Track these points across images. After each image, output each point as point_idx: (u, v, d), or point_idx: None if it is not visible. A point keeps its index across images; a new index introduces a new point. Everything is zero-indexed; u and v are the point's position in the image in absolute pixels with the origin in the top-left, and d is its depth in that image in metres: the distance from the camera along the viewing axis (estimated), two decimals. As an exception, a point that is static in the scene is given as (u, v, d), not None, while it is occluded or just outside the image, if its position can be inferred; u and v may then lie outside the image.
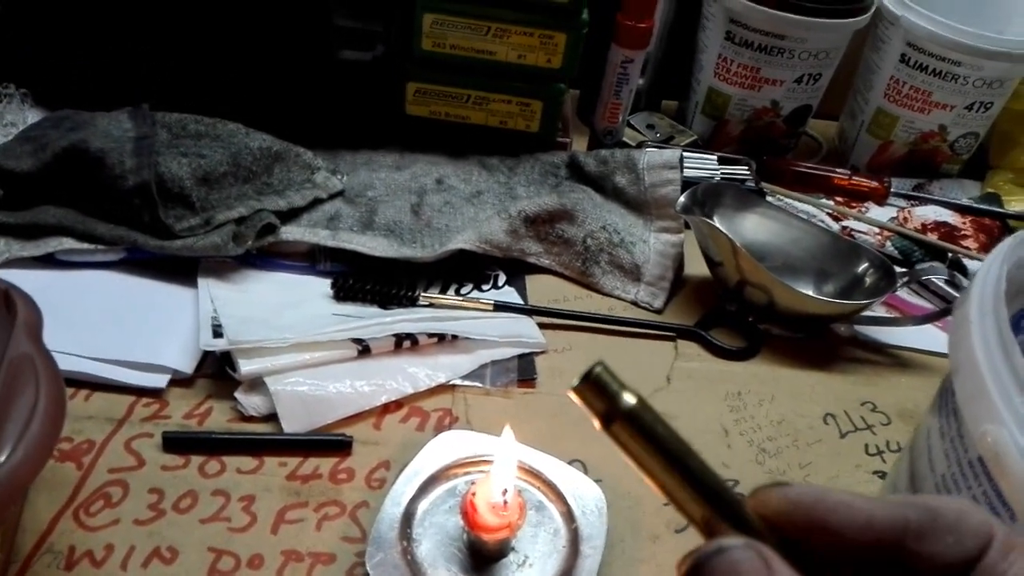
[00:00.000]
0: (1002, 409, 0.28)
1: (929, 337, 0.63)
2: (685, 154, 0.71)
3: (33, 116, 0.66)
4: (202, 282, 0.57)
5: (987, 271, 0.35)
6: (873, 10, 0.74)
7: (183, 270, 0.58)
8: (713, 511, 0.20)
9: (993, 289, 0.33)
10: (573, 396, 0.21)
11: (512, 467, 0.42)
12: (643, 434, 0.20)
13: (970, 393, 0.31)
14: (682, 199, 0.62)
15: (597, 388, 0.20)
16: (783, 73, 0.74)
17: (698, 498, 0.20)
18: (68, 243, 0.57)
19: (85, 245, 0.57)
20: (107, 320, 0.53)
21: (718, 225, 0.61)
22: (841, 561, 0.20)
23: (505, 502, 0.42)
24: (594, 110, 0.75)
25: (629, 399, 0.20)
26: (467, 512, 0.42)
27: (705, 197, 0.64)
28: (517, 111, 0.69)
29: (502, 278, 0.62)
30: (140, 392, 0.50)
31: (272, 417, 0.50)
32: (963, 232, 0.74)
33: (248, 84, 0.69)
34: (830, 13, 0.70)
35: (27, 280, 0.44)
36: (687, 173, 0.70)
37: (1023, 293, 0.38)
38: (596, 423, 0.21)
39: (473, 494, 0.42)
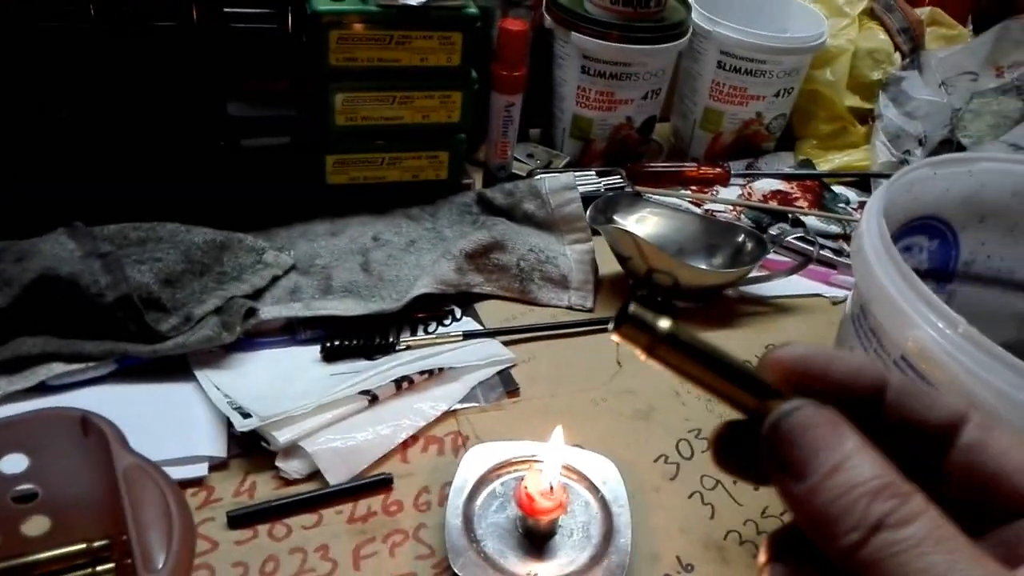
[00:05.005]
0: (919, 321, 0.41)
1: (794, 284, 0.79)
2: (569, 174, 0.83)
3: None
4: (200, 374, 0.61)
5: (867, 227, 0.48)
6: (691, 31, 0.89)
7: (173, 367, 0.61)
8: (759, 395, 0.23)
9: (880, 239, 0.46)
10: (616, 338, 0.23)
11: (560, 458, 0.51)
12: (684, 349, 0.23)
13: (888, 315, 0.44)
14: (590, 212, 0.74)
15: (637, 324, 0.23)
16: (632, 93, 0.88)
17: (744, 389, 0.23)
18: (57, 367, 0.59)
19: (75, 366, 0.59)
20: (127, 428, 0.56)
21: (621, 226, 0.73)
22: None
23: (551, 487, 0.51)
24: (482, 150, 0.85)
25: (665, 323, 0.23)
26: (522, 502, 0.50)
27: (605, 207, 0.76)
28: (427, 164, 0.78)
29: (458, 311, 0.71)
30: (183, 484, 0.54)
31: (313, 476, 0.55)
32: (793, 195, 0.91)
33: (166, 182, 0.73)
34: (661, 39, 0.84)
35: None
36: (576, 190, 0.81)
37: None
38: (641, 354, 0.23)
39: (525, 487, 0.51)
